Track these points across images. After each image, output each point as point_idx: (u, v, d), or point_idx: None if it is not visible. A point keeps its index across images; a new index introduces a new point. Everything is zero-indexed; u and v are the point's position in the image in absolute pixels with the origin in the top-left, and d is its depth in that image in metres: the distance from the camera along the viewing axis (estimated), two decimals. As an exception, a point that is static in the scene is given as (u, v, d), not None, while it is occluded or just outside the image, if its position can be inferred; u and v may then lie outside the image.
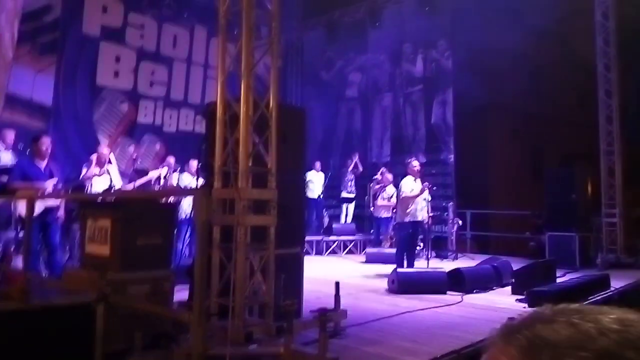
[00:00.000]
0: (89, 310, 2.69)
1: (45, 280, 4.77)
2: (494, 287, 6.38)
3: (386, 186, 9.94)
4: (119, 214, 3.53)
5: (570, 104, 14.65)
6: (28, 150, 6.13)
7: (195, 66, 11.83)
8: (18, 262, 4.82)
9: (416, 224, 7.35)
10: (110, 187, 6.24)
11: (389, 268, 6.94)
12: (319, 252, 10.53)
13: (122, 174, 7.38)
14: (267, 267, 3.60)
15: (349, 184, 11.61)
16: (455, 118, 11.52)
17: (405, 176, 7.60)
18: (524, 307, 5.26)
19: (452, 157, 11.42)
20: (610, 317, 0.53)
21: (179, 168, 8.32)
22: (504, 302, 5.61)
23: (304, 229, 5.29)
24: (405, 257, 7.40)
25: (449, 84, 11.68)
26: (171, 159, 8.40)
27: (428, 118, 11.97)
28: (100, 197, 5.42)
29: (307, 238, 8.39)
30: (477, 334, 4.13)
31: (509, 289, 6.17)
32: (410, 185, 7.34)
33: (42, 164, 5.72)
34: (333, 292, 4.29)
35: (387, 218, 9.88)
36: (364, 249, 10.53)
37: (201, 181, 4.24)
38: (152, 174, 7.23)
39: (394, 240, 9.62)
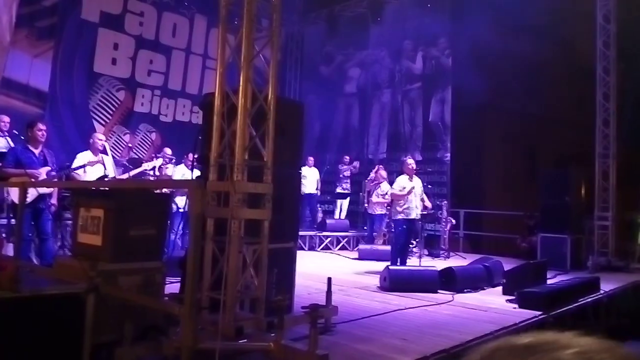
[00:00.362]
0: (79, 301, 2.68)
1: (36, 268, 4.75)
2: (485, 287, 6.40)
3: (381, 183, 9.96)
4: (112, 204, 3.51)
5: (567, 106, 14.67)
6: (23, 136, 6.07)
7: (194, 56, 11.77)
8: (9, 249, 4.80)
9: (409, 222, 7.35)
10: (104, 176, 6.21)
11: (381, 265, 6.95)
12: (312, 248, 10.53)
13: (117, 163, 7.34)
14: (260, 262, 3.59)
15: (344, 180, 11.61)
16: (453, 117, 11.52)
17: (400, 174, 7.61)
18: (514, 308, 5.29)
19: (448, 155, 11.44)
20: (569, 352, 0.50)
21: (174, 160, 8.28)
22: (494, 302, 5.63)
23: (298, 224, 5.29)
24: (398, 254, 7.42)
25: (448, 83, 11.68)
26: (168, 150, 8.37)
27: (426, 116, 11.97)
28: (94, 186, 5.38)
29: (301, 233, 8.40)
30: (467, 334, 4.15)
31: (499, 289, 6.20)
32: (403, 183, 7.35)
33: (36, 150, 5.68)
34: (325, 287, 4.30)
35: (381, 215, 9.90)
36: (357, 246, 10.54)
37: (196, 173, 4.22)
38: (146, 166, 7.20)
39: (387, 237, 9.64)
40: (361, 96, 13.36)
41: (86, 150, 6.52)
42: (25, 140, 5.88)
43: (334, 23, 13.29)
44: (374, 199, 10.00)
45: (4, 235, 5.58)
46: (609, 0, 9.53)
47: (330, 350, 3.13)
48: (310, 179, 11.03)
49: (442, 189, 11.15)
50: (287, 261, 4.31)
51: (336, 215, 11.70)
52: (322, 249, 10.64)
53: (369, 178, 10.60)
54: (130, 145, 9.84)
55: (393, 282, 6.07)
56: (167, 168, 7.99)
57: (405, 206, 7.27)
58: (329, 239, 10.83)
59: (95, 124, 10.04)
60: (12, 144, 6.29)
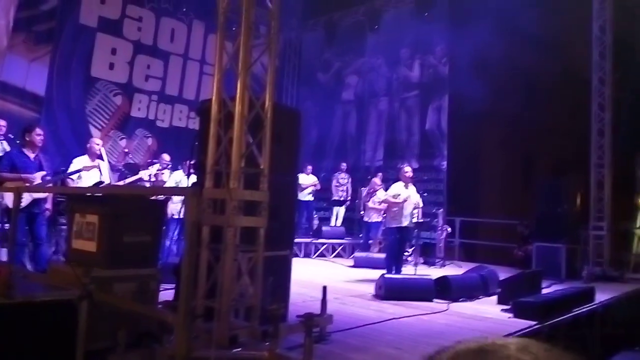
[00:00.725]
0: (73, 307, 2.66)
1: (29, 274, 4.72)
2: (481, 296, 6.40)
3: (377, 190, 9.97)
4: (108, 210, 3.49)
5: (563, 115, 14.74)
6: (18, 140, 6.04)
7: (191, 62, 11.78)
8: (2, 254, 4.76)
9: (402, 230, 7.34)
10: (101, 182, 6.18)
11: (376, 273, 6.94)
12: (307, 255, 10.51)
13: (113, 168, 7.32)
14: (255, 269, 3.58)
15: (341, 187, 11.62)
16: (450, 125, 11.55)
17: (396, 181, 7.62)
18: (509, 317, 5.28)
19: (445, 163, 11.46)
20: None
21: (170, 165, 8.26)
22: (489, 311, 5.63)
23: (294, 231, 5.27)
24: (393, 262, 7.41)
25: (445, 91, 11.72)
26: (166, 156, 8.35)
27: (423, 124, 12.00)
28: (89, 192, 5.36)
29: (296, 240, 8.39)
30: (462, 344, 4.13)
31: (494, 298, 6.20)
32: (398, 190, 7.35)
33: (32, 155, 5.65)
34: (320, 295, 4.28)
35: (377, 222, 9.91)
36: (352, 253, 10.53)
37: (192, 179, 4.21)
38: (143, 174, 7.17)
39: (382, 245, 9.64)
40: (358, 103, 13.39)
41: (82, 154, 6.50)
42: (20, 144, 5.85)
43: (332, 30, 13.35)
44: (370, 204, 10.02)
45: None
46: (605, 12, 9.61)
47: (324, 360, 3.11)
48: (307, 187, 11.06)
49: (439, 196, 11.16)
50: (283, 269, 4.29)
51: (332, 223, 11.69)
52: (317, 256, 10.63)
53: (365, 192, 10.64)
54: (126, 150, 9.81)
55: (388, 291, 6.05)
56: (163, 174, 7.97)
57: (398, 214, 7.27)
58: (324, 246, 10.81)
59: (92, 129, 10.03)
60: (8, 148, 6.27)
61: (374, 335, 4.37)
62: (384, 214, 9.12)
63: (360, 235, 11.04)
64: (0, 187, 5.25)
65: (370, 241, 10.30)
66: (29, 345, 2.58)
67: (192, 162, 4.36)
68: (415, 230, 8.01)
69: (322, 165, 12.55)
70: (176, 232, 7.12)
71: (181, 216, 5.87)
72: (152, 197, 5.41)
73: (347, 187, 11.67)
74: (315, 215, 11.97)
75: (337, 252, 10.90)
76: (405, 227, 7.35)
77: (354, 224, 11.89)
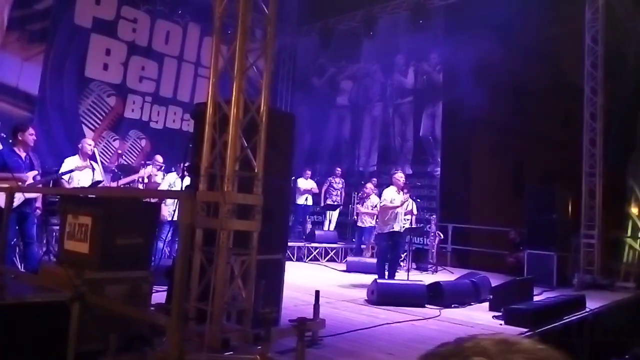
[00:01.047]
0: (64, 309, 2.64)
1: (21, 274, 4.67)
2: (472, 303, 6.41)
3: (370, 195, 9.99)
4: (101, 212, 3.47)
5: (555, 124, 14.88)
6: (10, 139, 5.99)
7: (186, 64, 11.75)
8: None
9: (394, 235, 7.34)
10: (98, 182, 6.15)
11: (369, 278, 6.94)
12: (300, 259, 10.49)
13: (106, 169, 7.28)
14: (248, 273, 3.57)
15: (334, 192, 11.63)
16: (444, 131, 11.61)
17: (388, 187, 7.62)
18: (501, 324, 5.30)
19: (438, 170, 11.50)
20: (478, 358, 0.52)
21: (163, 167, 8.23)
22: (481, 318, 5.64)
23: (287, 235, 5.27)
24: (386, 267, 7.41)
25: (439, 98, 11.79)
26: (159, 158, 8.32)
27: (417, 130, 12.05)
28: (82, 193, 5.33)
29: (289, 244, 8.36)
30: (454, 350, 4.14)
31: (486, 305, 6.22)
32: (392, 195, 7.36)
33: (23, 154, 5.61)
34: (312, 300, 4.28)
35: (370, 227, 9.91)
36: (345, 257, 10.53)
37: (186, 181, 4.20)
38: (143, 172, 7.14)
39: (375, 249, 9.65)
40: (353, 109, 13.43)
41: (74, 155, 6.46)
42: (12, 143, 5.81)
43: (327, 36, 13.38)
44: (363, 209, 10.04)
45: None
46: (597, 22, 9.72)
47: (316, 364, 3.11)
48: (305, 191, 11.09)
49: (432, 203, 11.20)
50: (276, 273, 4.29)
51: (325, 227, 11.69)
52: (310, 260, 10.61)
53: (358, 197, 10.67)
54: (119, 151, 9.76)
55: (381, 296, 6.06)
56: (156, 175, 7.93)
57: (390, 219, 7.27)
58: (317, 250, 10.80)
59: (85, 129, 9.96)
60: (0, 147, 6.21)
61: (365, 340, 4.37)
62: (376, 219, 9.13)
63: (353, 240, 11.05)
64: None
65: (363, 246, 10.31)
66: (20, 346, 2.56)
67: (186, 165, 4.35)
68: (408, 236, 8.01)
69: (315, 169, 12.56)
70: (169, 235, 7.08)
71: (174, 219, 5.83)
72: (146, 200, 5.38)
73: (341, 192, 11.68)
74: (308, 219, 11.97)
75: (330, 256, 10.90)
76: (397, 232, 7.35)
77: (347, 228, 11.89)
